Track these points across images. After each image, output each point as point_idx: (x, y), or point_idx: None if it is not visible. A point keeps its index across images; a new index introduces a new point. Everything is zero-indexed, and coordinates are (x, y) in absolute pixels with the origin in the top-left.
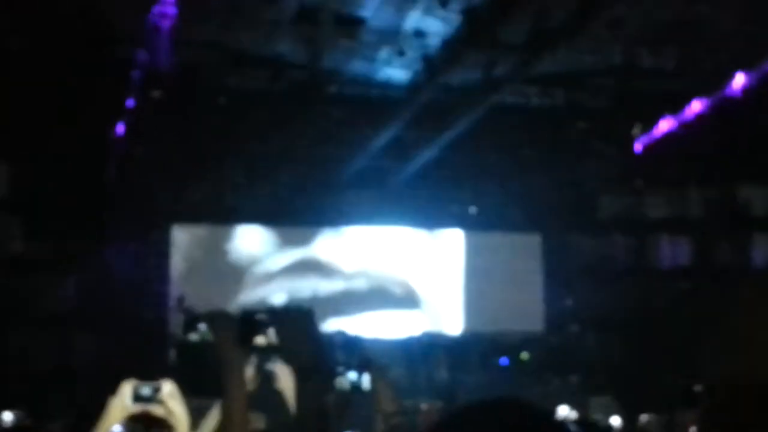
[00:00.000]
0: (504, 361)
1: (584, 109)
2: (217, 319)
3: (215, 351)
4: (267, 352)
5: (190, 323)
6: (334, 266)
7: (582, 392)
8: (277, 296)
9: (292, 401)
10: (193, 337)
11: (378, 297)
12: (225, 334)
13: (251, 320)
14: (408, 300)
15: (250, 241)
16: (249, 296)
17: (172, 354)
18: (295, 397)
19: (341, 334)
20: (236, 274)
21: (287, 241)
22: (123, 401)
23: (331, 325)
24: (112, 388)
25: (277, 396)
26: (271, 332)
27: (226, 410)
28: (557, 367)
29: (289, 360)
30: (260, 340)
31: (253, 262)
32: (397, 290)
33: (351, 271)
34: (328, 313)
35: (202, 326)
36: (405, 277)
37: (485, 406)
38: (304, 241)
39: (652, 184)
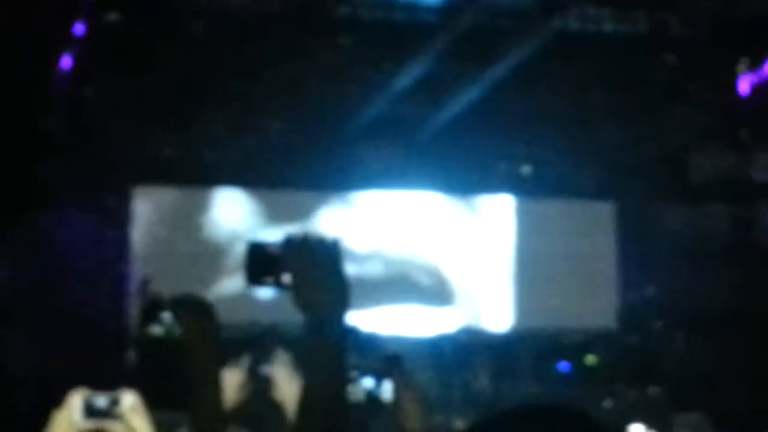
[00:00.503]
0: (564, 366)
1: (673, 38)
2: (184, 306)
3: (184, 349)
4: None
5: (150, 312)
6: (342, 245)
7: (664, 407)
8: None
9: (294, 417)
10: (156, 330)
11: (398, 287)
12: (196, 325)
13: (261, 255)
14: (437, 292)
15: (231, 210)
16: (232, 281)
17: (131, 353)
18: (298, 411)
19: (300, 240)
20: (215, 250)
21: (279, 212)
22: (71, 416)
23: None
24: (57, 400)
25: (274, 409)
26: (286, 275)
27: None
28: (633, 375)
29: (302, 304)
30: (270, 280)
31: (236, 237)
32: (424, 279)
33: (363, 251)
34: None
35: (167, 316)
36: (434, 260)
37: (530, 412)
38: (301, 211)
39: (761, 136)
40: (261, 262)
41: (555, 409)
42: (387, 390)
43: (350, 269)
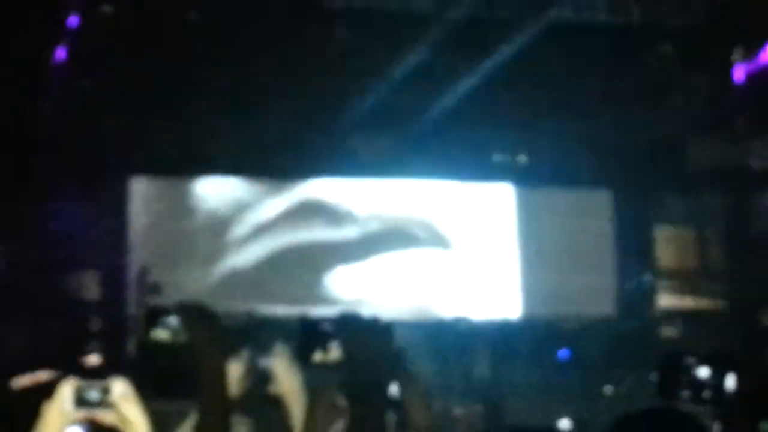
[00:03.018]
0: (563, 354)
1: (668, 27)
2: (192, 314)
3: (192, 355)
4: (329, 371)
5: (153, 318)
6: (344, 209)
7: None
8: (273, 249)
9: (296, 411)
10: (162, 335)
11: (398, 240)
12: (203, 333)
13: (313, 331)
14: (434, 240)
15: (228, 200)
16: (235, 259)
17: (131, 349)
18: (307, 414)
19: (354, 318)
20: (215, 234)
21: (276, 201)
22: (62, 406)
23: (339, 280)
24: (48, 390)
25: (274, 403)
26: (335, 347)
27: (203, 424)
28: (632, 362)
29: (351, 381)
30: (320, 356)
31: (237, 214)
32: (421, 232)
33: (365, 214)
34: (337, 263)
35: (172, 321)
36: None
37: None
38: (297, 200)
39: (758, 125)
40: (312, 339)
41: (667, 413)
42: (394, 390)
43: (353, 231)
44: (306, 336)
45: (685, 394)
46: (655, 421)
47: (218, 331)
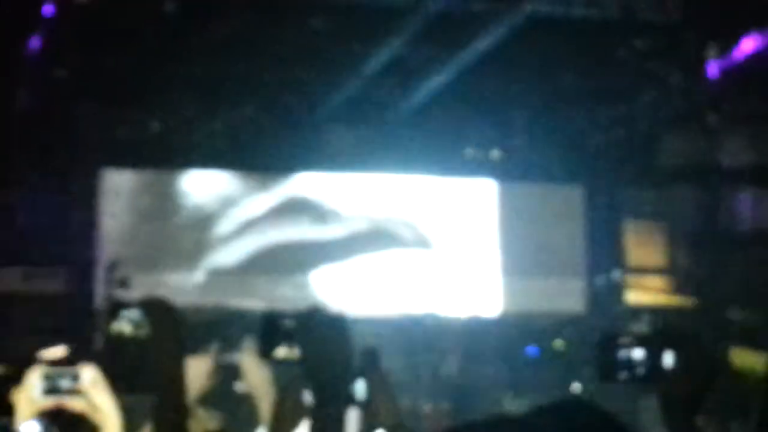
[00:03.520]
0: (532, 350)
1: (642, 22)
2: (153, 308)
3: (153, 349)
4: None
5: (115, 312)
6: (328, 207)
7: (631, 392)
8: (255, 248)
9: (264, 406)
10: (123, 328)
11: (383, 240)
12: (165, 328)
13: (275, 327)
14: (417, 239)
15: (200, 193)
16: (216, 257)
17: (96, 343)
18: (274, 407)
19: (314, 315)
20: (182, 233)
21: (249, 194)
22: (30, 394)
23: (321, 278)
24: (16, 378)
25: (242, 398)
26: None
27: (161, 419)
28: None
29: (310, 378)
30: (282, 352)
31: (205, 220)
32: (403, 231)
33: (350, 214)
34: (321, 262)
35: (134, 314)
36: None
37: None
38: (270, 192)
39: (730, 121)
40: (274, 335)
41: (573, 404)
42: (361, 389)
43: (339, 230)
44: (267, 332)
45: (623, 374)
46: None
47: (180, 325)
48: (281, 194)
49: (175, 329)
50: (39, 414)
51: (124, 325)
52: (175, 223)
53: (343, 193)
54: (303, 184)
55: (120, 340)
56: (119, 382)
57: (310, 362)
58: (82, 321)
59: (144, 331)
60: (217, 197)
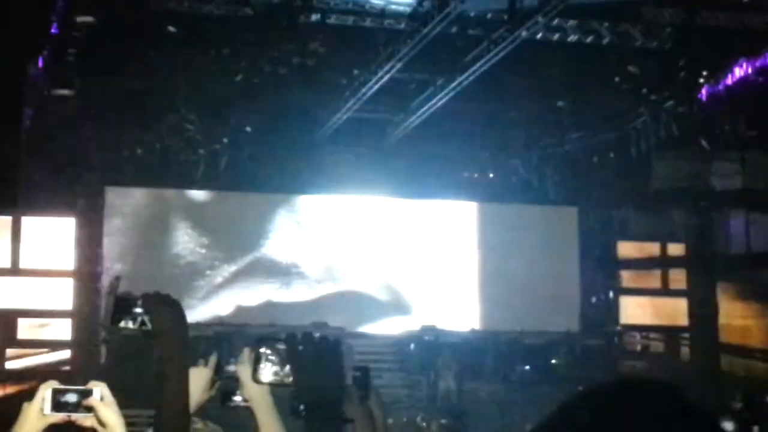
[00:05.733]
0: (526, 367)
1: (636, 48)
2: (157, 303)
3: (154, 344)
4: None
5: (123, 308)
6: (293, 269)
7: None
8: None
9: (262, 417)
10: (130, 326)
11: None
12: (168, 322)
13: (267, 350)
14: (395, 306)
15: (201, 211)
16: (201, 281)
17: (102, 350)
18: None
19: (301, 337)
20: (185, 250)
21: (248, 214)
22: (41, 408)
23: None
24: (28, 393)
25: (241, 409)
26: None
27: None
28: (595, 376)
29: (298, 397)
30: (267, 374)
31: (206, 237)
32: (382, 295)
33: (316, 275)
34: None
35: (139, 312)
36: (389, 278)
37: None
38: (269, 212)
39: (720, 145)
40: (266, 357)
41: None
42: (347, 405)
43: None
44: (260, 354)
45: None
46: (624, 391)
47: (182, 320)
48: (267, 218)
49: (178, 323)
50: (47, 429)
51: (129, 320)
52: (171, 240)
53: (334, 215)
54: (291, 207)
55: (125, 335)
56: (122, 393)
57: (301, 384)
58: (87, 332)
59: (148, 327)
60: (210, 217)
